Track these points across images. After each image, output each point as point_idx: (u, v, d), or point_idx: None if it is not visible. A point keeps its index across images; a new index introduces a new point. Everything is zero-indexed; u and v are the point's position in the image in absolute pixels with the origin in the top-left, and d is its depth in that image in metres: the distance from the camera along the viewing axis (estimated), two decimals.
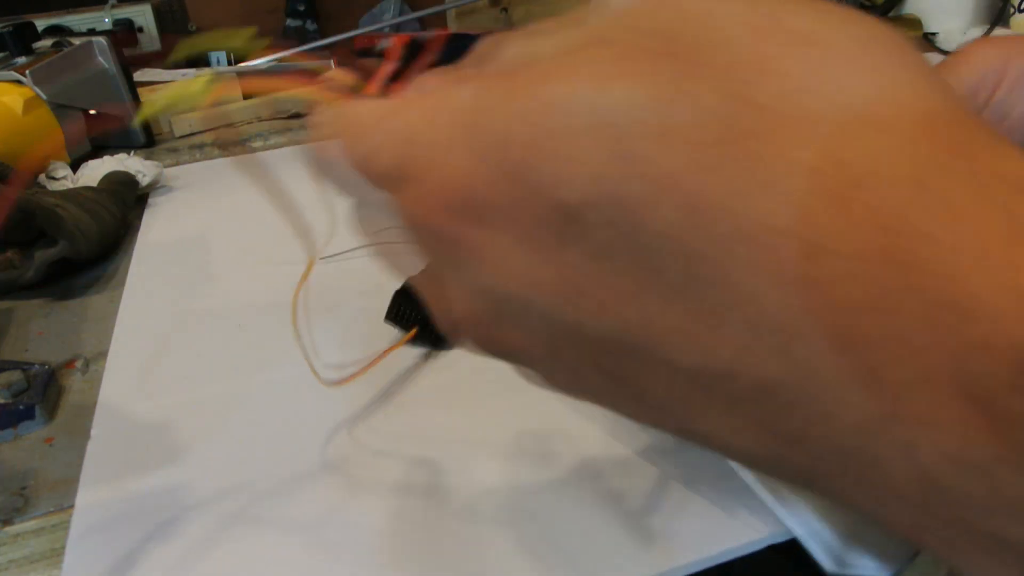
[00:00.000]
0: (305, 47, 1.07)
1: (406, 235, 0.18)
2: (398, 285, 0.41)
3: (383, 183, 0.18)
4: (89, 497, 0.33)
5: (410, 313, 0.40)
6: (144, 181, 0.67)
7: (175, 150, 0.78)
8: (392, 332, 0.41)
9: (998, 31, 0.92)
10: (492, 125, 0.15)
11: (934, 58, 0.96)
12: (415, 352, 0.40)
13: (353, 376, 0.35)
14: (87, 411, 0.38)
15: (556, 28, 0.16)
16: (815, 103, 0.13)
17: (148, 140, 0.79)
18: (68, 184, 0.65)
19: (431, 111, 0.16)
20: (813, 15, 0.14)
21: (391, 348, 0.38)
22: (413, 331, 0.40)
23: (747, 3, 0.14)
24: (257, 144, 0.80)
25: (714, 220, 0.13)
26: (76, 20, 1.25)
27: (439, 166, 0.16)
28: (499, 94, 0.15)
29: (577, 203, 0.14)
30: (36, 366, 0.41)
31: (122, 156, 0.69)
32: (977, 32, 0.94)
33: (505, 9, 1.21)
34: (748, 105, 0.13)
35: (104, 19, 1.28)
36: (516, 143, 0.14)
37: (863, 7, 1.06)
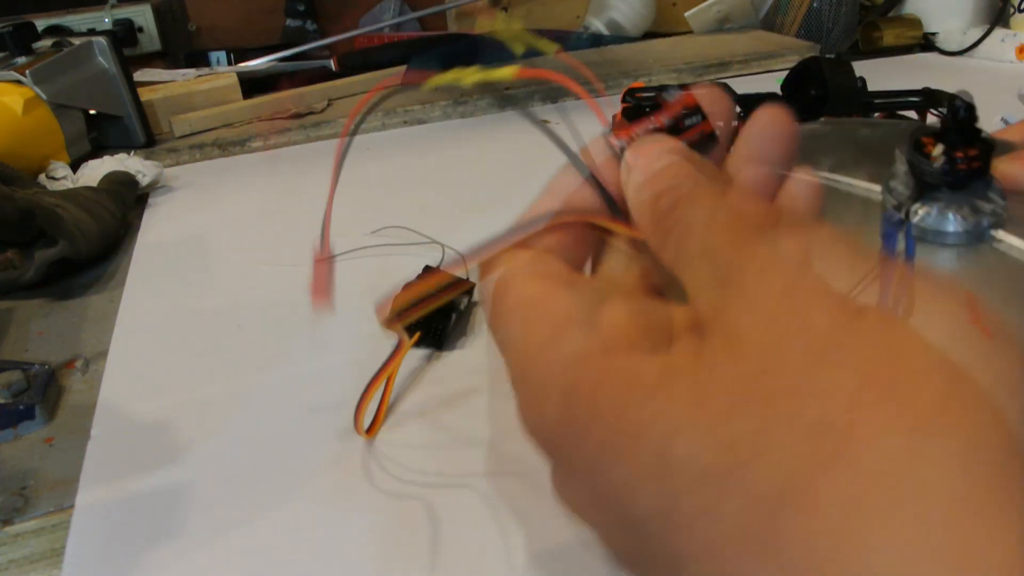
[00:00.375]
0: (305, 47, 1.07)
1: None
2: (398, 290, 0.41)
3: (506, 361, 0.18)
4: (89, 497, 0.33)
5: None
6: (144, 181, 0.67)
7: (175, 150, 0.78)
8: (390, 333, 0.41)
9: (998, 31, 0.92)
10: (579, 411, 0.16)
11: (935, 58, 0.96)
12: (418, 354, 0.40)
13: (380, 413, 0.35)
14: (87, 411, 0.38)
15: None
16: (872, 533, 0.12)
17: (148, 140, 0.79)
18: (68, 184, 0.65)
19: (548, 349, 0.17)
20: (932, 397, 0.13)
21: (399, 356, 0.38)
22: (417, 335, 0.40)
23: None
24: (257, 144, 0.80)
25: None
26: (76, 20, 1.25)
27: (538, 405, 0.17)
28: (592, 379, 0.16)
29: (636, 520, 0.15)
30: (36, 366, 0.41)
31: (122, 156, 0.69)
32: (977, 32, 0.94)
33: (505, 9, 1.21)
34: (796, 507, 0.13)
35: (104, 19, 1.28)
36: (592, 441, 0.15)
37: (863, 7, 1.06)
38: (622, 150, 0.20)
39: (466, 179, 0.67)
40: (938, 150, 0.23)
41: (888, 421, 0.12)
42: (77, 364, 0.43)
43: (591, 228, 0.21)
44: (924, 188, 0.24)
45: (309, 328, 0.44)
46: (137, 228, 0.61)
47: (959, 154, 0.23)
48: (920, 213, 0.23)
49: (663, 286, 0.20)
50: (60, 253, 0.51)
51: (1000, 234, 0.23)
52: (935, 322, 0.14)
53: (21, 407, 0.37)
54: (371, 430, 0.34)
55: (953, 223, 0.23)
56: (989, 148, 0.24)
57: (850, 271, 0.15)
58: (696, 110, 0.21)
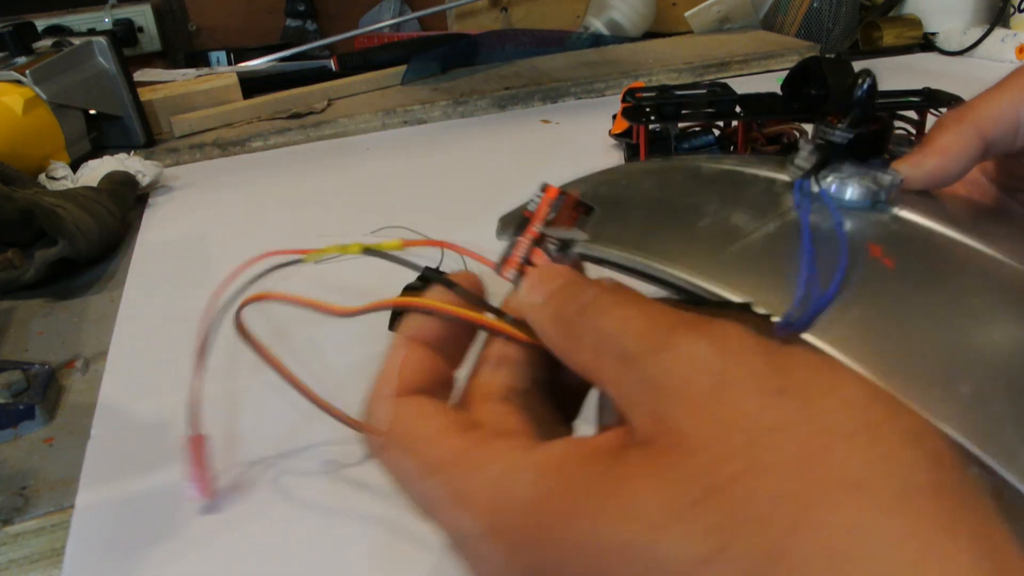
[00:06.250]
0: (305, 47, 1.07)
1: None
2: (397, 292, 0.41)
3: (438, 524, 0.19)
4: (89, 497, 0.33)
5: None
6: (144, 181, 0.67)
7: (175, 150, 0.78)
8: (391, 335, 0.41)
9: (998, 31, 0.92)
10: (551, 549, 0.16)
11: (935, 58, 0.96)
12: None
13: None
14: (87, 411, 0.38)
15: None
16: (853, 569, 0.13)
17: (148, 140, 0.79)
18: (68, 184, 0.65)
19: (496, 499, 0.17)
20: (864, 454, 0.14)
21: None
22: None
23: (800, 439, 0.15)
24: (257, 144, 0.80)
25: None
26: (76, 20, 1.25)
27: (500, 558, 0.17)
28: (559, 512, 0.16)
29: None
30: (36, 366, 0.41)
31: (122, 156, 0.69)
32: (977, 32, 0.94)
33: (505, 9, 1.21)
34: (783, 571, 0.14)
35: (104, 19, 1.28)
36: (571, 573, 0.16)
37: (863, 7, 1.06)
38: (516, 279, 0.21)
39: (466, 179, 0.67)
40: (845, 120, 0.26)
41: (833, 482, 0.14)
42: (77, 364, 0.43)
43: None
44: (828, 159, 0.26)
45: (309, 328, 0.44)
46: (137, 228, 0.61)
47: (862, 126, 0.26)
48: (825, 182, 0.25)
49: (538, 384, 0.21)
50: (60, 253, 0.51)
51: (895, 210, 0.25)
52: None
53: (21, 407, 0.37)
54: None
55: (854, 191, 0.25)
56: (887, 125, 0.27)
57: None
58: (559, 195, 0.22)
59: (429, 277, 0.22)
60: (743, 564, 0.14)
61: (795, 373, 0.16)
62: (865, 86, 0.26)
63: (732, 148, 0.58)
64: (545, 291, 0.20)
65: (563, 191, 0.22)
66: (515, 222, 0.22)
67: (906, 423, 0.15)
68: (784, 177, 0.27)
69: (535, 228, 0.22)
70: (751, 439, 0.15)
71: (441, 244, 0.24)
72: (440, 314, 0.21)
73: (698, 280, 0.21)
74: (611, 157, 0.68)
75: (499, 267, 0.22)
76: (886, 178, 0.25)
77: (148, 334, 0.46)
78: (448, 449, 0.18)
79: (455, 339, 0.22)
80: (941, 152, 0.26)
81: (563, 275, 0.20)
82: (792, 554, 0.14)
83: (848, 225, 0.23)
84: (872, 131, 0.26)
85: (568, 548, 0.16)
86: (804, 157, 0.26)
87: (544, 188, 0.22)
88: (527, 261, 0.22)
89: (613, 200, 0.26)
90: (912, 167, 0.26)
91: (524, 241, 0.22)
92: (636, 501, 0.15)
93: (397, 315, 0.40)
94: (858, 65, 0.65)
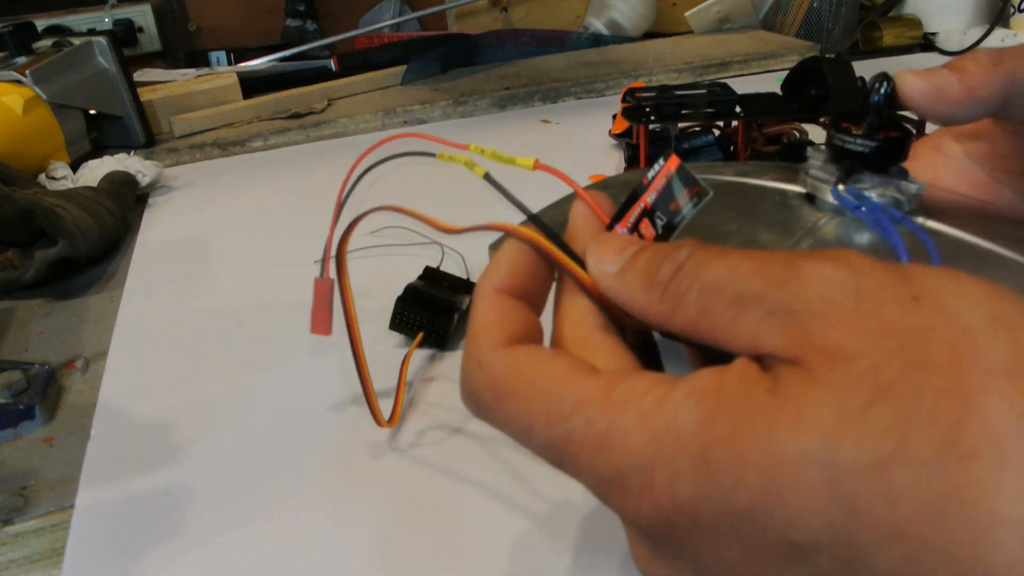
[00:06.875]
0: (305, 47, 1.07)
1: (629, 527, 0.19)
2: (399, 291, 0.41)
3: (579, 469, 0.18)
4: (89, 497, 0.33)
5: (414, 318, 0.40)
6: (144, 181, 0.67)
7: (175, 150, 0.78)
8: (393, 334, 0.41)
9: (998, 31, 0.92)
10: (722, 468, 0.16)
11: (935, 58, 0.96)
12: (421, 354, 0.40)
13: (397, 406, 0.35)
14: (87, 411, 0.38)
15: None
16: (1020, 448, 0.14)
17: (148, 140, 0.79)
18: (68, 184, 0.65)
19: (654, 430, 0.17)
20: (1006, 344, 0.15)
21: (406, 358, 0.38)
22: (420, 336, 0.40)
23: (951, 323, 0.16)
24: (257, 144, 0.80)
25: (936, 568, 0.14)
26: (76, 20, 1.25)
27: (664, 489, 0.17)
28: (726, 433, 0.16)
29: (808, 545, 0.15)
30: (36, 366, 0.41)
31: (122, 156, 0.69)
32: (977, 32, 0.94)
33: (505, 9, 1.21)
34: (958, 458, 0.14)
35: (104, 19, 1.28)
36: (747, 489, 0.16)
37: (863, 7, 1.06)
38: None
39: (466, 179, 0.67)
40: (862, 127, 0.25)
41: (984, 372, 0.15)
42: (77, 364, 0.43)
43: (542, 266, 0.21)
44: (847, 170, 0.25)
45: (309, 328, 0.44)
46: (137, 228, 0.61)
47: (880, 133, 0.24)
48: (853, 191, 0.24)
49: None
50: (60, 253, 0.51)
51: (919, 220, 0.24)
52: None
53: (21, 407, 0.37)
54: (392, 419, 0.35)
55: (880, 200, 0.24)
56: (908, 132, 0.25)
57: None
58: (679, 167, 0.21)
59: (534, 220, 0.21)
60: (920, 457, 0.14)
61: (922, 283, 0.17)
62: (883, 91, 0.25)
63: (732, 148, 0.57)
64: (619, 260, 0.20)
65: (683, 164, 0.21)
66: (625, 190, 0.21)
67: None
68: (796, 188, 0.26)
69: (649, 199, 0.21)
70: (903, 342, 0.16)
71: (571, 183, 0.23)
72: (541, 250, 0.21)
73: None
74: (611, 157, 0.68)
75: (609, 230, 0.21)
76: (911, 187, 0.24)
77: (148, 334, 0.46)
78: (584, 389, 0.18)
79: (536, 286, 0.21)
80: (962, 72, 0.25)
81: (632, 243, 0.20)
82: (962, 442, 0.14)
83: (886, 236, 0.23)
84: (893, 139, 0.25)
85: (740, 466, 0.16)
86: (819, 167, 0.25)
87: (668, 157, 0.21)
88: (636, 230, 0.21)
89: None
90: (924, 79, 0.25)
91: (636, 209, 0.21)
92: (808, 412, 0.15)
93: (397, 313, 0.40)
94: (858, 65, 0.65)
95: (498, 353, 0.19)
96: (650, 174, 0.21)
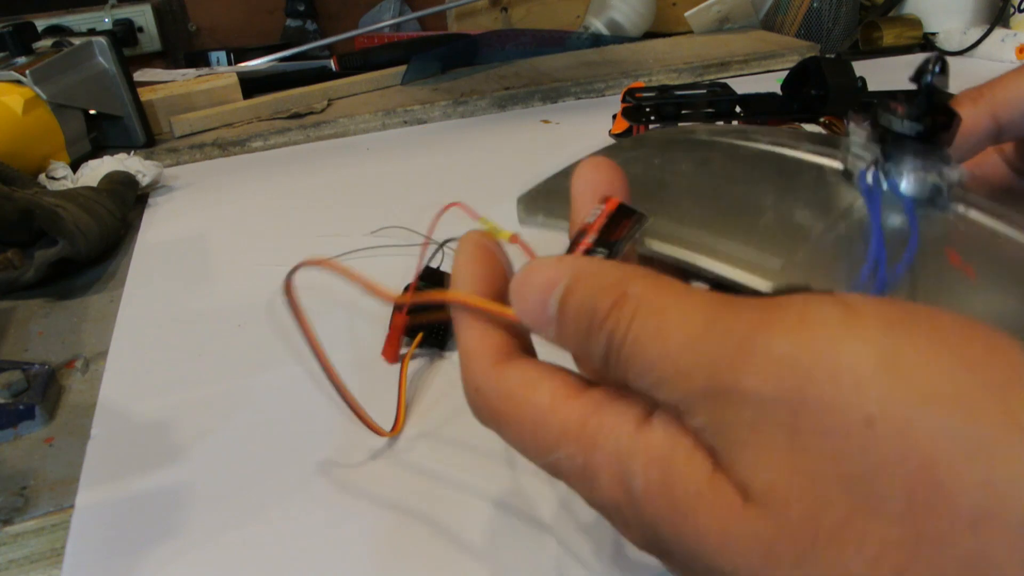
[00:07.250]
0: (305, 47, 1.07)
1: None
2: (399, 291, 0.41)
3: (573, 489, 0.19)
4: (89, 497, 0.33)
5: (414, 319, 0.40)
6: (144, 181, 0.67)
7: (175, 150, 0.78)
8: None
9: (998, 31, 0.92)
10: (665, 547, 0.18)
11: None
12: (421, 354, 0.40)
13: (400, 413, 0.35)
14: (87, 411, 0.38)
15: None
16: None
17: (148, 140, 0.79)
18: (68, 184, 0.65)
19: (617, 475, 0.18)
20: None
21: (406, 358, 0.38)
22: (419, 337, 0.40)
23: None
24: (257, 144, 0.80)
25: None
26: (76, 20, 1.25)
27: (629, 534, 0.18)
28: (667, 514, 0.17)
29: None
30: (36, 366, 0.41)
31: (122, 156, 0.69)
32: (977, 32, 0.94)
33: (505, 9, 1.21)
34: None
35: (104, 19, 1.28)
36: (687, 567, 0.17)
37: (863, 7, 1.06)
38: None
39: (466, 179, 0.67)
40: (910, 107, 0.24)
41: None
42: (77, 364, 0.43)
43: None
44: (891, 151, 0.24)
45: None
46: (137, 228, 0.61)
47: (928, 116, 0.23)
48: (890, 173, 0.24)
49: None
50: (60, 253, 0.51)
51: (957, 207, 0.24)
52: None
53: (21, 407, 0.37)
54: (395, 427, 0.35)
55: (917, 185, 0.23)
56: (957, 117, 0.24)
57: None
58: (618, 207, 0.21)
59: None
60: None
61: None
62: (936, 70, 0.23)
63: None
64: (546, 313, 0.19)
65: (623, 204, 0.21)
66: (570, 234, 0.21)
67: None
68: (835, 164, 0.25)
69: (589, 240, 0.21)
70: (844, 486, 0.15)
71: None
72: (467, 308, 0.21)
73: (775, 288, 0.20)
74: None
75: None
76: (953, 174, 0.23)
77: (148, 334, 0.46)
78: (564, 421, 0.18)
79: (501, 279, 0.21)
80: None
81: (555, 283, 0.19)
82: None
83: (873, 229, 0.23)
84: (941, 122, 0.23)
85: (679, 543, 0.17)
86: (861, 145, 0.25)
87: (605, 201, 0.21)
88: None
89: (653, 185, 0.25)
90: None
91: (580, 250, 0.21)
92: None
93: (397, 309, 0.40)
94: (858, 65, 0.65)
95: (491, 378, 0.20)
96: (589, 218, 0.21)
